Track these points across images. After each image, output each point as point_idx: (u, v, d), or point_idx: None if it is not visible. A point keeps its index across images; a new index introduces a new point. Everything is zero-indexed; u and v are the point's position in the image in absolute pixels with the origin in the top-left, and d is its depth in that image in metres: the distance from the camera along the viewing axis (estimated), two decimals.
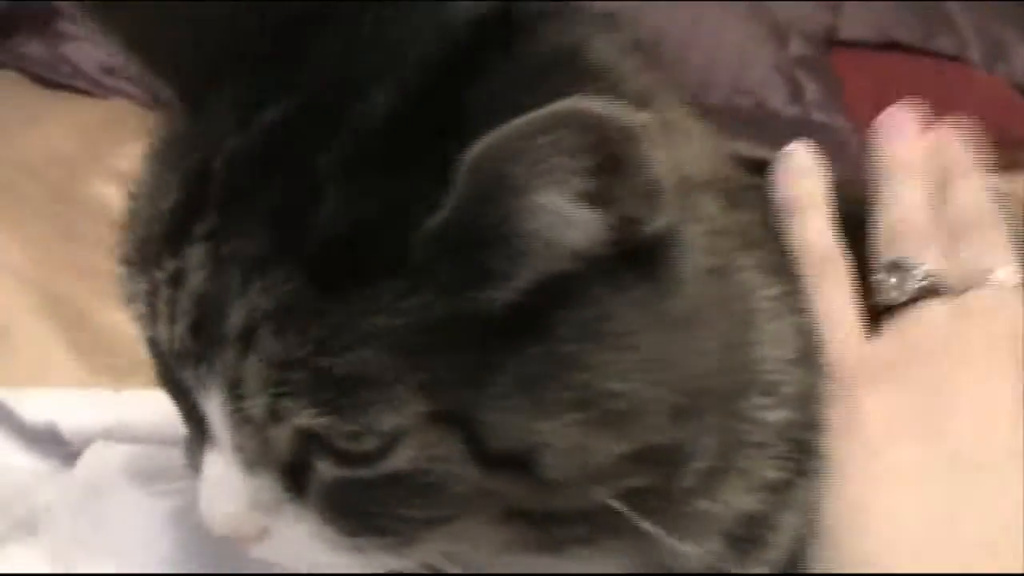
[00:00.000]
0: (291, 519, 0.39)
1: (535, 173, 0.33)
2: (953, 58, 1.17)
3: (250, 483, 0.39)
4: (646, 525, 0.38)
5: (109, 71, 1.00)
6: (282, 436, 0.37)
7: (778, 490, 0.42)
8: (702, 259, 0.39)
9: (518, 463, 0.36)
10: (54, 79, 1.02)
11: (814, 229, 0.47)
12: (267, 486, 0.39)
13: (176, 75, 0.40)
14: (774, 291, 0.44)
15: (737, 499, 0.42)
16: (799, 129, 1.08)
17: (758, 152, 0.97)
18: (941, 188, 0.48)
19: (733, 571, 0.42)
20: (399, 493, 0.37)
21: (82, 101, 0.98)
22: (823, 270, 0.46)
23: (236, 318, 0.36)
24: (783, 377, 0.43)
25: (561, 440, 0.36)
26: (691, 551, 0.41)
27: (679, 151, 0.38)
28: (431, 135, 0.35)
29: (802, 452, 0.43)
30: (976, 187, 0.48)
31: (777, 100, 1.08)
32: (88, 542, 0.49)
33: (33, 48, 1.04)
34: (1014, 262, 0.46)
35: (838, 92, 1.10)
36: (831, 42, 1.18)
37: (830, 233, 0.47)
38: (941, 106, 0.51)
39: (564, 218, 0.34)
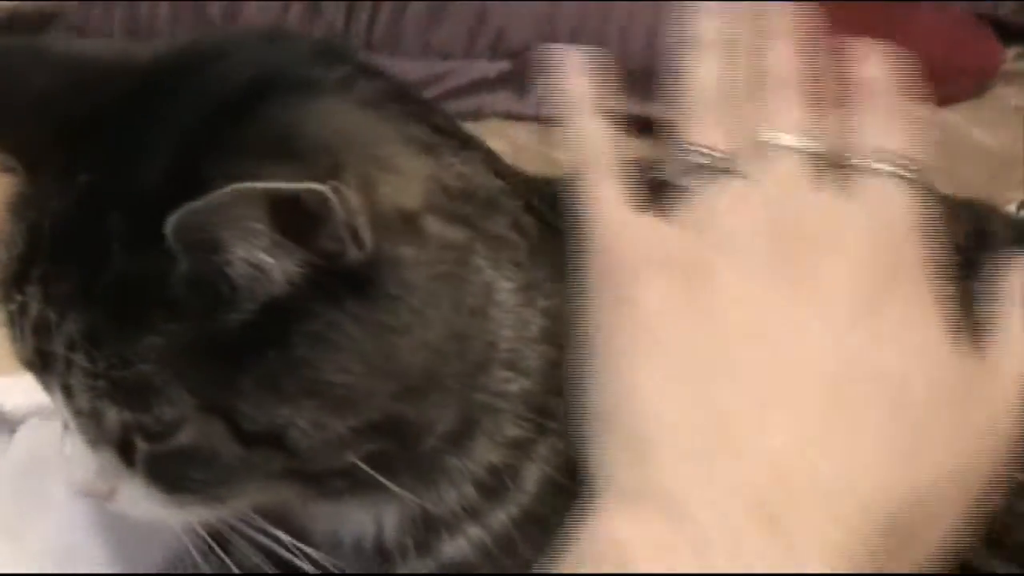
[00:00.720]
0: (129, 482, 0.52)
1: (227, 234, 0.44)
2: None
3: (94, 457, 0.52)
4: (383, 480, 0.50)
5: None
6: (108, 425, 0.50)
7: (521, 446, 0.52)
8: (424, 271, 0.49)
9: (272, 439, 0.48)
10: None
11: (584, 127, 0.51)
12: (106, 459, 0.51)
13: (14, 148, 0.51)
14: (516, 283, 0.52)
15: (485, 455, 0.52)
16: None
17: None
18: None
19: (485, 513, 0.52)
20: (190, 463, 0.49)
21: None
22: (593, 161, 0.50)
23: (59, 342, 0.48)
24: (524, 353, 0.52)
25: (300, 421, 0.47)
26: (438, 498, 0.52)
27: (392, 190, 0.48)
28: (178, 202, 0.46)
29: (543, 415, 0.52)
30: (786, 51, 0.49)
31: None
32: (28, 513, 0.61)
33: None
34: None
35: None
36: None
37: (600, 128, 0.50)
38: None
39: (256, 263, 0.45)
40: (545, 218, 0.57)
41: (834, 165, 0.47)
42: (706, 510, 0.42)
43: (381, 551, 0.54)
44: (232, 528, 0.53)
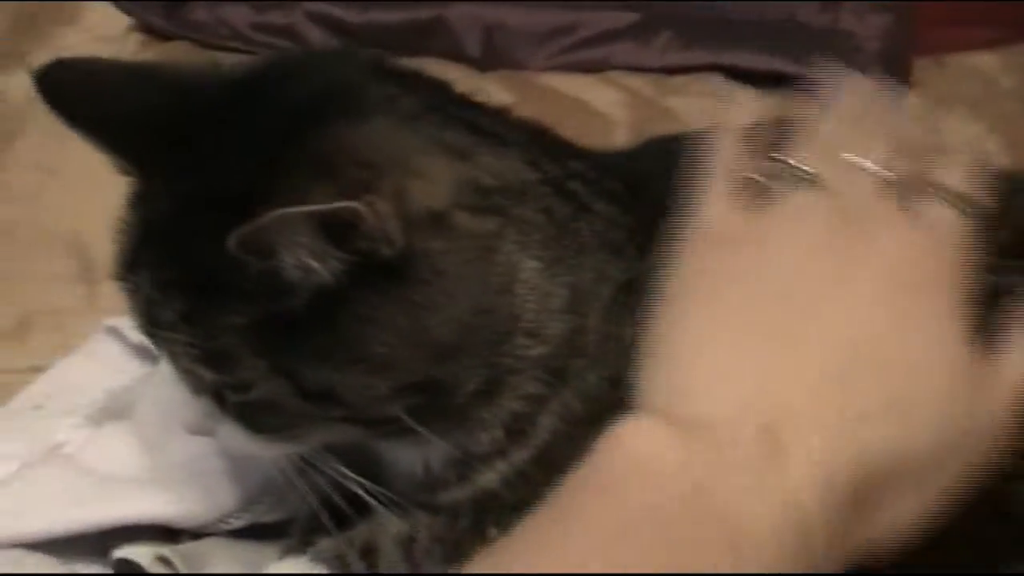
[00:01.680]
0: (224, 424, 0.64)
1: (276, 246, 0.55)
2: None
3: (197, 403, 0.65)
4: (419, 428, 0.61)
5: (258, 27, 1.23)
6: (204, 381, 0.62)
7: (538, 400, 0.62)
8: (453, 258, 0.59)
9: (327, 395, 0.60)
10: (215, 42, 1.22)
11: (723, 149, 0.55)
12: (206, 405, 0.64)
13: (131, 155, 0.62)
14: (542, 262, 0.62)
15: (509, 405, 0.62)
16: (826, 39, 1.21)
17: (782, 66, 1.13)
18: None
19: (510, 452, 0.64)
20: (266, 410, 0.61)
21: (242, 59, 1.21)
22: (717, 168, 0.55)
23: (165, 316, 0.61)
24: (546, 323, 0.62)
25: (349, 381, 0.59)
26: (475, 440, 0.63)
27: (422, 194, 0.58)
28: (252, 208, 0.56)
29: (557, 376, 0.62)
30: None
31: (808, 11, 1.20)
32: (170, 430, 0.73)
33: (199, 14, 1.24)
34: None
35: None
36: None
37: (735, 151, 0.55)
38: None
39: (302, 265, 0.55)
40: (580, 199, 0.67)
41: (906, 194, 0.52)
42: (721, 427, 0.47)
43: (429, 482, 0.66)
44: (307, 462, 0.65)
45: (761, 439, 0.47)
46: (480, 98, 0.70)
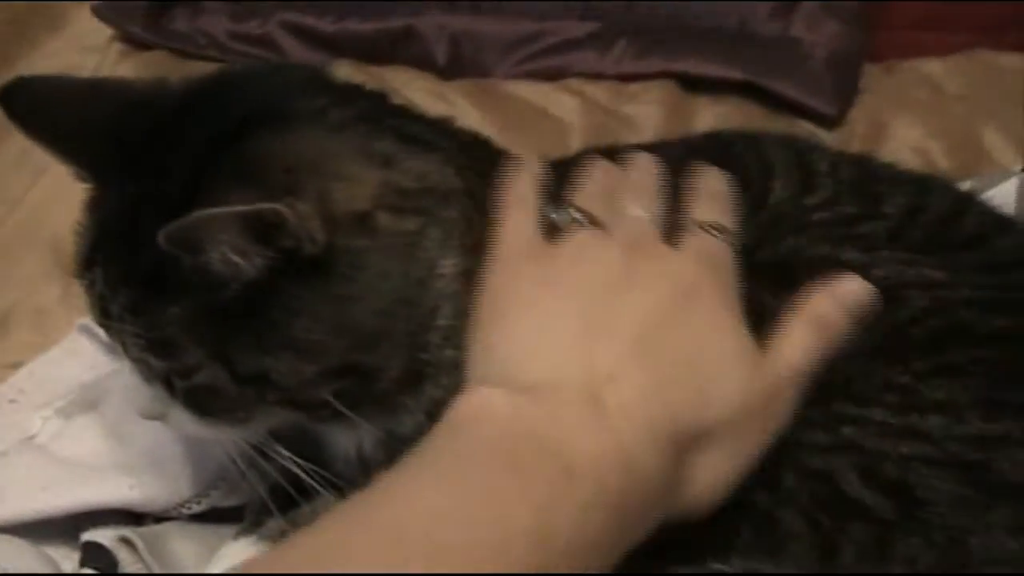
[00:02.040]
0: (174, 409, 0.70)
1: (201, 243, 0.60)
2: None
3: (148, 389, 0.70)
4: (347, 412, 0.67)
5: (236, 37, 1.28)
6: (153, 368, 0.68)
7: (455, 389, 0.67)
8: (374, 255, 0.65)
9: (261, 379, 0.65)
10: (194, 51, 1.27)
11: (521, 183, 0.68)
12: (157, 390, 0.70)
13: (86, 163, 0.69)
14: (458, 266, 0.67)
15: (430, 392, 0.68)
16: (777, 47, 1.26)
17: (733, 74, 1.18)
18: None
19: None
20: (210, 395, 0.66)
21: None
22: (518, 202, 0.67)
23: (115, 309, 0.67)
24: (460, 326, 0.66)
25: (279, 367, 0.64)
26: (400, 424, 0.69)
27: (345, 196, 0.63)
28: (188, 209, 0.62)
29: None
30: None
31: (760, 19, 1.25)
32: (133, 420, 0.79)
33: (178, 24, 1.29)
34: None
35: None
36: None
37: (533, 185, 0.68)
38: None
39: (228, 260, 0.61)
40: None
41: (672, 229, 0.64)
42: (544, 387, 0.56)
43: (362, 463, 0.72)
44: (256, 449, 0.71)
45: (583, 395, 0.55)
46: (436, 108, 0.78)
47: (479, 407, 0.55)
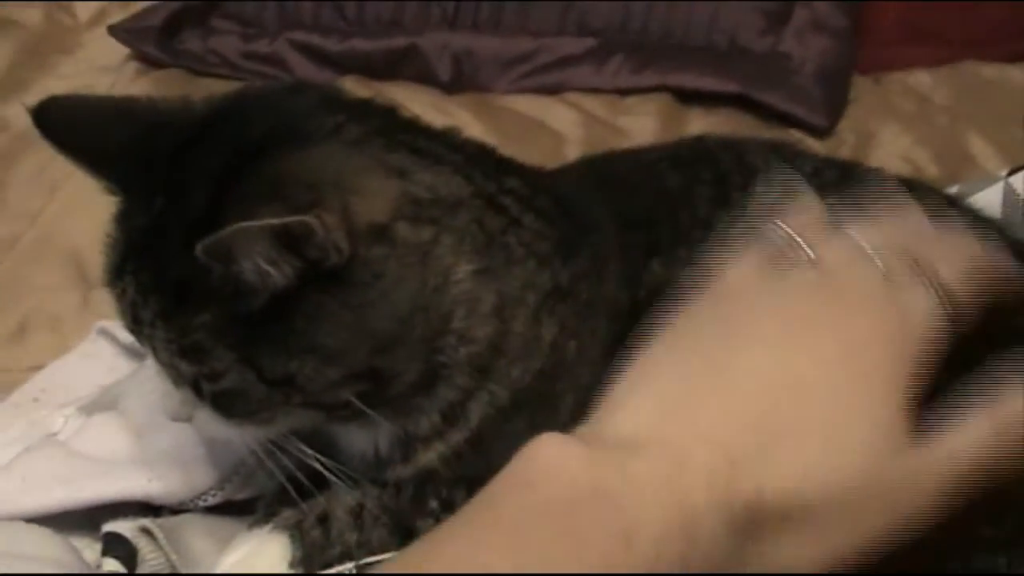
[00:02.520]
0: (201, 410, 0.74)
1: (235, 255, 0.64)
2: None
3: (177, 393, 0.74)
4: (368, 411, 0.70)
5: (247, 56, 1.33)
6: (182, 372, 0.71)
7: (469, 391, 0.72)
8: (393, 263, 0.68)
9: (287, 382, 0.69)
10: (206, 70, 1.31)
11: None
12: (185, 393, 0.74)
13: (115, 178, 0.72)
14: (472, 269, 0.71)
15: (445, 394, 0.72)
16: (767, 61, 1.30)
17: (726, 87, 1.22)
18: None
19: (447, 434, 0.73)
20: (237, 397, 0.70)
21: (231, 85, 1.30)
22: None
23: (144, 318, 0.70)
24: (476, 325, 0.71)
25: (304, 370, 0.68)
26: (415, 424, 0.73)
27: (364, 209, 0.67)
28: (214, 223, 0.66)
29: (483, 372, 0.71)
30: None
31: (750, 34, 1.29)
32: (154, 421, 0.83)
33: (191, 44, 1.33)
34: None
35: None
36: None
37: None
38: None
39: (259, 271, 0.64)
40: (511, 214, 0.76)
41: (897, 271, 0.55)
42: (630, 444, 0.51)
43: (378, 460, 0.76)
44: (276, 444, 0.74)
45: (668, 457, 0.50)
46: (439, 121, 0.79)
47: (552, 459, 0.51)
